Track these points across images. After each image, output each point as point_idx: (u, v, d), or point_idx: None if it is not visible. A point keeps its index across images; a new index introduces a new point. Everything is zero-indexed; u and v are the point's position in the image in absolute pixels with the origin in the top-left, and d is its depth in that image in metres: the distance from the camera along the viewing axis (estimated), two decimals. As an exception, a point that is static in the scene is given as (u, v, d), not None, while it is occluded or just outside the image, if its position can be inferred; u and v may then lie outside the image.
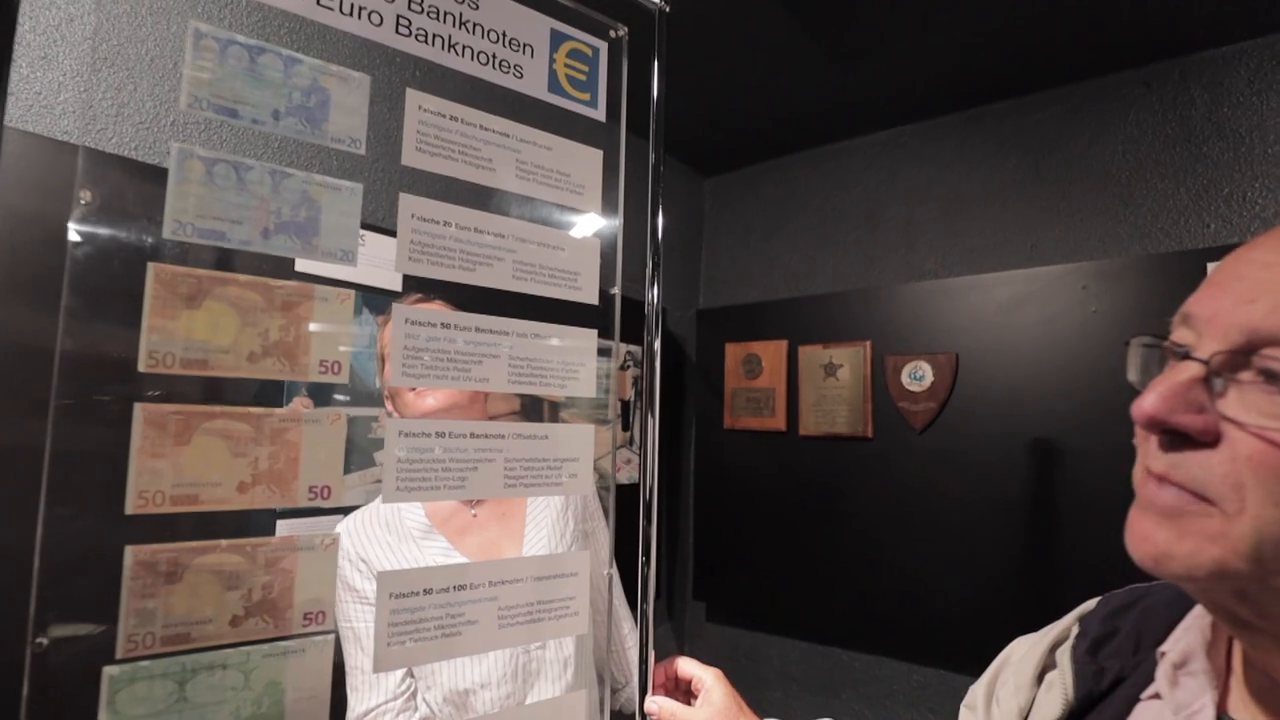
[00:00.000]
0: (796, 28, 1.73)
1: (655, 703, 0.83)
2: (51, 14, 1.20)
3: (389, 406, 1.16)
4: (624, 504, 0.97)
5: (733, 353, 2.47)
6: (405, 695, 1.03)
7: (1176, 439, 0.41)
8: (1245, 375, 0.39)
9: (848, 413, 2.19)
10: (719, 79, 2.00)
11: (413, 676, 1.05)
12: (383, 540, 1.07)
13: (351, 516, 1.11)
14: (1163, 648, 0.51)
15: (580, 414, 2.01)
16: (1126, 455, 0.46)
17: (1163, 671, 0.50)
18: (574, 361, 0.82)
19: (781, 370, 2.34)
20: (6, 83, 0.54)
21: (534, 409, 1.88)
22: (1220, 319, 0.41)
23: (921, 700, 1.97)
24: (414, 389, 1.07)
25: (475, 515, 1.13)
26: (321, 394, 1.42)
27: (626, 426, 2.21)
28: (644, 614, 0.87)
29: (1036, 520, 1.81)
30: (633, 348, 2.19)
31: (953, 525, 1.95)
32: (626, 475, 2.16)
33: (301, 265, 1.32)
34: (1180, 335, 0.44)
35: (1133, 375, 0.47)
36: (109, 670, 0.54)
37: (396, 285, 1.56)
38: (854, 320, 2.21)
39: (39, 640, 0.52)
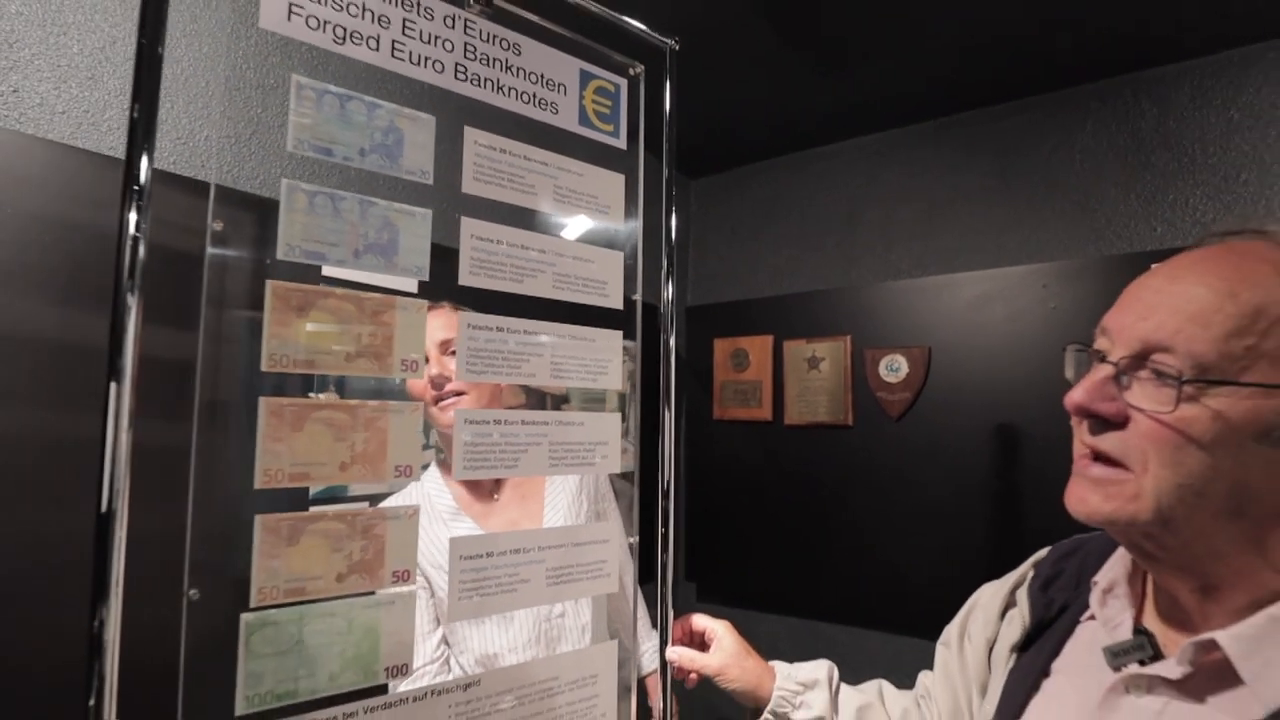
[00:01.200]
0: (781, 40, 1.86)
1: (675, 652, 0.96)
2: (96, 37, 1.29)
3: None
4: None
5: (721, 347, 2.60)
6: (440, 660, 1.15)
7: (1099, 422, 0.56)
8: (1142, 373, 0.53)
9: (829, 403, 2.34)
10: (707, 87, 2.12)
11: (447, 644, 1.17)
12: (428, 528, 1.18)
13: (386, 501, 1.23)
14: (1095, 578, 0.65)
15: (575, 405, 2.13)
16: (1078, 438, 0.60)
17: (1095, 596, 0.64)
18: (604, 358, 0.94)
19: (767, 363, 2.48)
20: (154, 129, 0.65)
21: (538, 404, 1.99)
22: (1125, 332, 0.55)
23: (899, 667, 2.11)
24: (439, 404, 1.18)
25: (497, 499, 1.25)
26: (343, 387, 1.52)
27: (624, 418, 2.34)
28: (664, 577, 1.00)
29: (1002, 498, 1.97)
30: (628, 343, 2.31)
31: (927, 505, 2.10)
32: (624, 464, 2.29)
33: (328, 270, 1.42)
34: (1100, 343, 0.58)
35: (1069, 373, 0.61)
36: (245, 617, 0.65)
37: (411, 288, 1.67)
38: (835, 316, 2.35)
39: (191, 592, 0.63)
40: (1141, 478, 0.53)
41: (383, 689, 0.74)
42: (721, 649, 0.95)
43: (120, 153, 1.28)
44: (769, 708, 0.91)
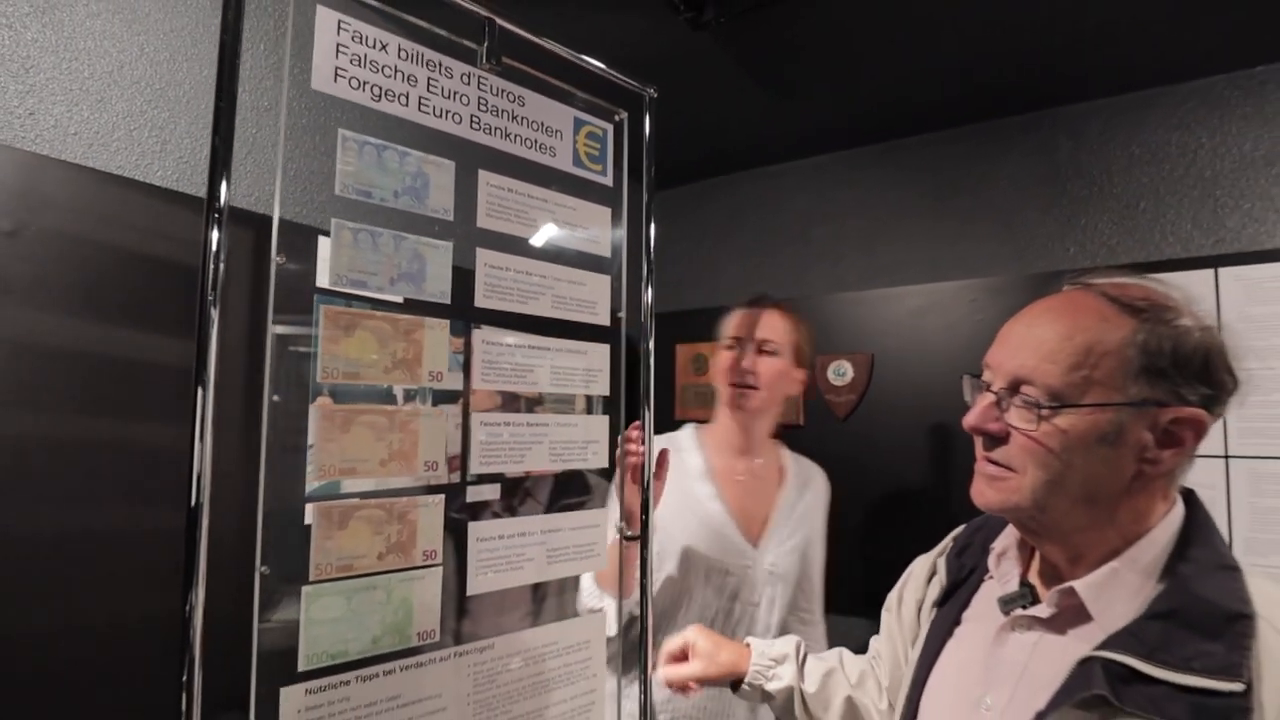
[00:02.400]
0: (740, 70, 2.02)
1: (662, 676, 1.05)
2: (105, 62, 1.37)
3: None
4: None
5: (682, 352, 2.76)
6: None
7: (989, 438, 0.73)
8: (1015, 400, 0.71)
9: (782, 403, 2.52)
10: (669, 109, 2.26)
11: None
12: (671, 479, 1.28)
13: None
14: (993, 544, 0.82)
15: (547, 408, 2.26)
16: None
17: (992, 558, 0.81)
18: (594, 368, 1.08)
19: (726, 368, 2.65)
20: (231, 159, 0.76)
21: (512, 405, 2.12)
22: (1002, 367, 0.72)
23: (850, 644, 2.32)
24: (737, 389, 1.40)
25: (740, 480, 1.41)
26: (340, 394, 1.63)
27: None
28: (645, 567, 1.14)
29: (938, 490, 2.18)
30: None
31: (871, 496, 2.30)
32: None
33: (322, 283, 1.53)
34: (985, 374, 0.75)
35: (967, 397, 0.79)
36: (305, 589, 0.77)
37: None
38: (788, 324, 2.53)
39: (262, 568, 0.75)
40: (1022, 477, 0.70)
41: (414, 650, 0.87)
42: (698, 654, 1.06)
43: (127, 171, 1.38)
44: (746, 679, 1.04)
